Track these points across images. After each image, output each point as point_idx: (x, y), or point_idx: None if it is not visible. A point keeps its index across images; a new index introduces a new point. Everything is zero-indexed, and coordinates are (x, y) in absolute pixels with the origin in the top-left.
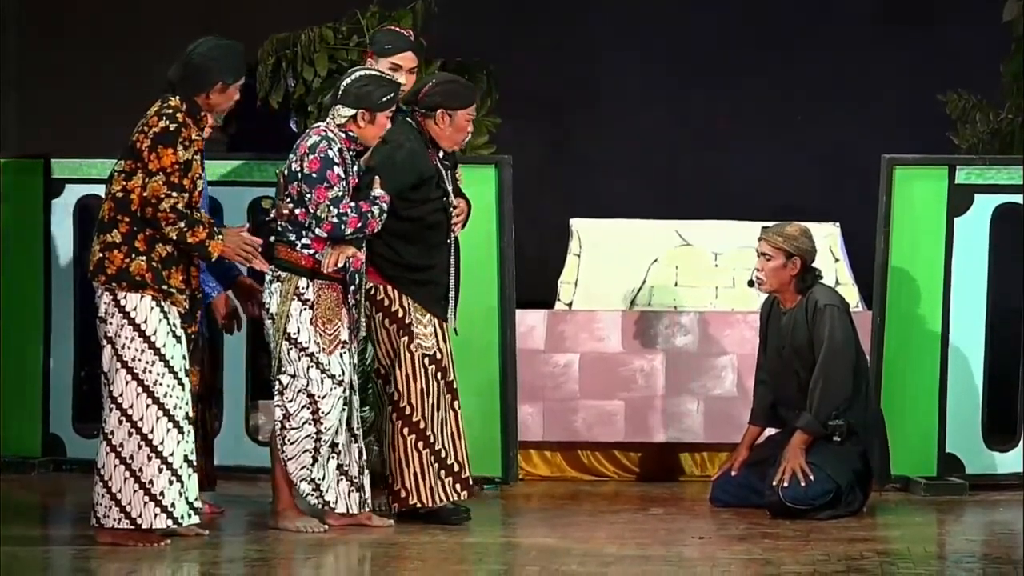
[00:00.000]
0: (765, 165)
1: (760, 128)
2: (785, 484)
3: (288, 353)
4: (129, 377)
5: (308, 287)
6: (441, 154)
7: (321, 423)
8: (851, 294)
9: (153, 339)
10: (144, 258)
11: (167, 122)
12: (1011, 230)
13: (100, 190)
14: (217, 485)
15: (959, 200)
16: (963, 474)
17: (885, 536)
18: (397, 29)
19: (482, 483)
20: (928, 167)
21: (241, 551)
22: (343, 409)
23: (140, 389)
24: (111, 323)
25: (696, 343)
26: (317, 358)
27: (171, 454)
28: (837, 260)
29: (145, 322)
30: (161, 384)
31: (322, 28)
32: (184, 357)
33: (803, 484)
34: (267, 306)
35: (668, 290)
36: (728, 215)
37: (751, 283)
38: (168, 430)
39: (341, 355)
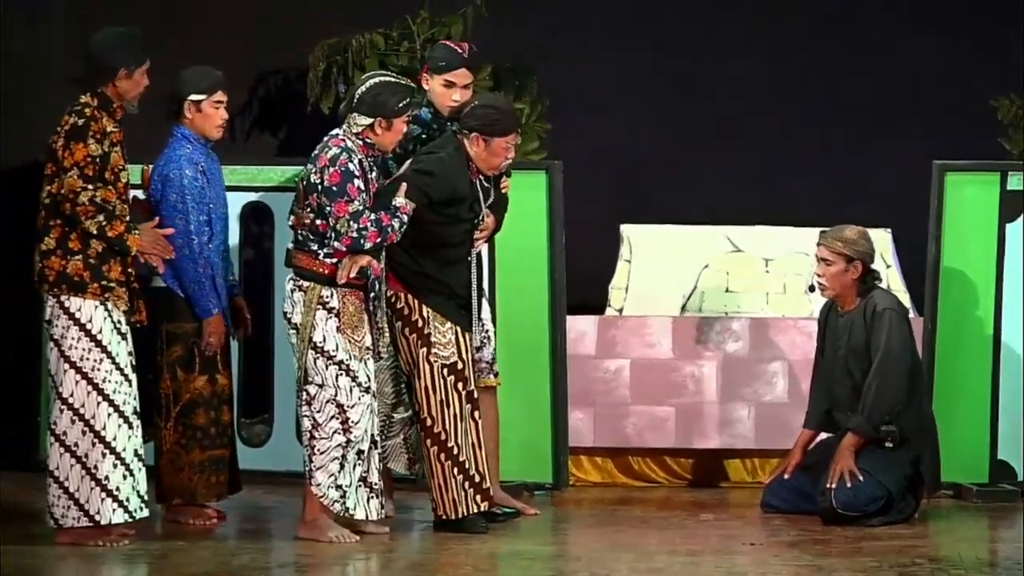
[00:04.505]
0: (816, 171)
1: (811, 134)
2: (834, 485)
3: (315, 363)
4: (79, 376)
5: (332, 295)
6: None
7: (351, 432)
8: (903, 300)
9: (99, 338)
10: (80, 257)
11: (76, 118)
12: None
13: None
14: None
15: (1010, 206)
16: (1015, 481)
17: (936, 543)
18: (451, 45)
19: (532, 489)
20: (979, 173)
21: (291, 556)
22: (370, 417)
23: (90, 387)
24: (57, 325)
25: (747, 349)
26: (348, 366)
27: (123, 449)
28: (888, 266)
29: (91, 321)
30: (109, 381)
31: (372, 34)
32: (130, 353)
33: (849, 485)
34: (289, 316)
35: (719, 296)
36: (779, 221)
37: (811, 288)
38: (119, 425)
39: (366, 362)
